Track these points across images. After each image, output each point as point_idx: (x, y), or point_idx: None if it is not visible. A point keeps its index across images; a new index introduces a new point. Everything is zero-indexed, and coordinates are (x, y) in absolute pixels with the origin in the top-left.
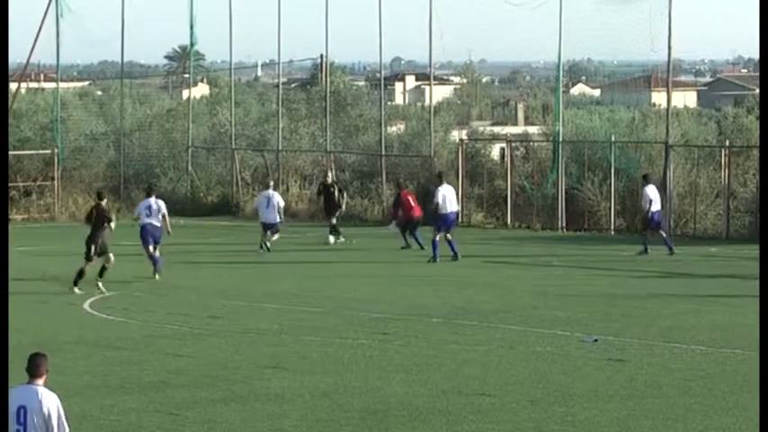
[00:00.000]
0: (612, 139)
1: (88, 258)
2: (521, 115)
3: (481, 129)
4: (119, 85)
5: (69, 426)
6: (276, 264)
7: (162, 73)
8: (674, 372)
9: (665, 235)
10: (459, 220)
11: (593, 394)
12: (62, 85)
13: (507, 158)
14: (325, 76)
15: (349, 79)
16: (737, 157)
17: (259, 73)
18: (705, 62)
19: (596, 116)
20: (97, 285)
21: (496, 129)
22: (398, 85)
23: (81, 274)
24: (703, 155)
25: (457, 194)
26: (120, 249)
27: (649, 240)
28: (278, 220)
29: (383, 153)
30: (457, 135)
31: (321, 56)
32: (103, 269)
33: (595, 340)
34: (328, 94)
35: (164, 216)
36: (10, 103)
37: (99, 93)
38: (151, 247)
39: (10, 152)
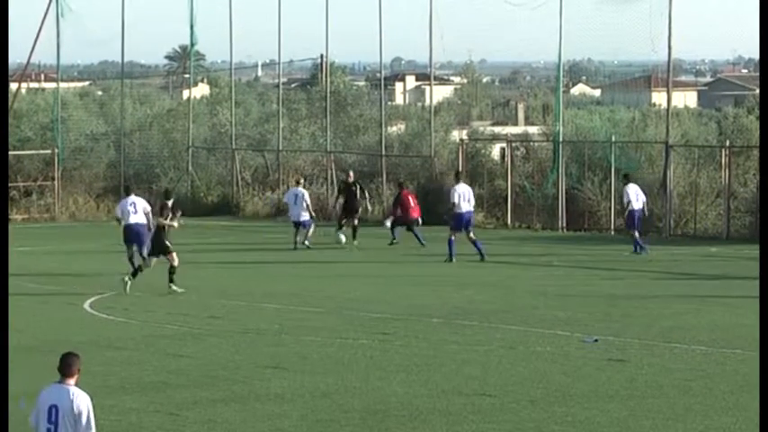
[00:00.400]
0: (613, 139)
1: (150, 255)
2: (521, 115)
3: (481, 129)
4: (119, 85)
5: (96, 426)
6: (276, 264)
7: (162, 73)
8: (675, 372)
9: (637, 235)
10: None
11: (594, 394)
12: (62, 85)
13: (507, 158)
14: (326, 76)
15: (349, 79)
16: (738, 157)
17: (259, 73)
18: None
19: (596, 116)
20: (170, 288)
21: (497, 129)
22: (399, 86)
23: (138, 269)
24: (704, 155)
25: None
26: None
27: (639, 238)
28: (307, 216)
29: (383, 153)
30: (457, 135)
31: (321, 56)
32: (173, 270)
33: (595, 340)
34: (328, 94)
35: (147, 214)
36: (10, 103)
37: (99, 93)
38: (135, 249)
39: (10, 152)
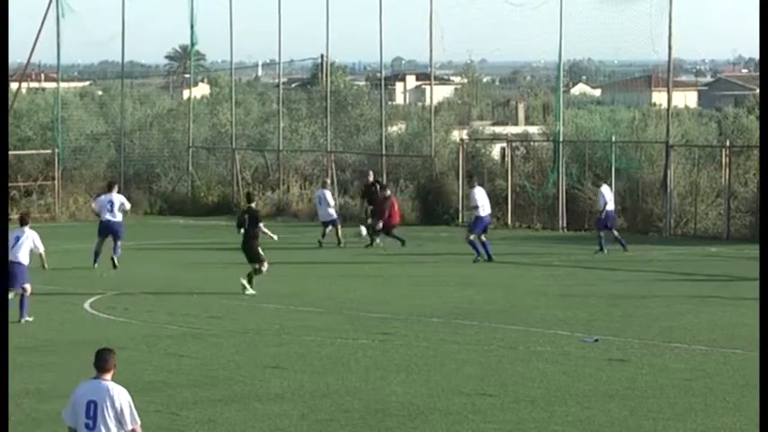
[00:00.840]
0: (613, 138)
1: (259, 260)
2: (521, 115)
3: (482, 128)
4: (119, 85)
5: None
6: (276, 264)
7: (162, 73)
8: (675, 371)
9: (617, 234)
10: (460, 220)
11: (594, 394)
12: (63, 84)
13: (508, 158)
14: (326, 76)
15: (349, 79)
16: (738, 157)
17: (259, 73)
18: (706, 62)
19: (597, 116)
20: (243, 285)
21: (497, 129)
22: (399, 85)
23: (255, 271)
24: (704, 155)
25: (459, 195)
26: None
27: (604, 239)
28: (334, 215)
29: (384, 153)
30: (457, 135)
31: (322, 56)
32: (257, 272)
33: (596, 340)
34: (329, 94)
35: (125, 212)
36: (10, 103)
37: (99, 93)
38: (109, 241)
39: (10, 152)
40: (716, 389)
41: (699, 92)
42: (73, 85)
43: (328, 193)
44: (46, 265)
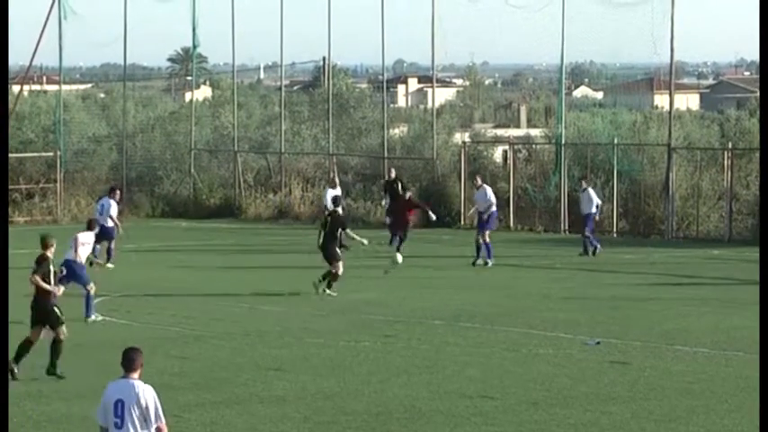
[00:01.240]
0: (615, 141)
1: (335, 259)
2: (523, 117)
3: (483, 131)
4: (121, 88)
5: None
6: (278, 266)
7: (164, 75)
8: (677, 374)
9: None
10: (462, 222)
11: (596, 397)
12: (65, 87)
13: (510, 161)
14: (328, 79)
15: (351, 82)
16: (740, 159)
17: (261, 75)
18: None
19: (599, 118)
20: (314, 284)
21: (499, 131)
22: (401, 88)
23: (332, 276)
24: (706, 157)
25: (461, 197)
26: (122, 254)
27: (593, 240)
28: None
29: (386, 155)
30: (459, 137)
31: (324, 58)
32: (329, 274)
33: (598, 343)
34: (331, 97)
35: (111, 217)
36: (12, 106)
37: (102, 95)
38: (105, 243)
39: (12, 154)
40: (718, 391)
41: (701, 94)
42: (75, 87)
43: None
44: (120, 231)
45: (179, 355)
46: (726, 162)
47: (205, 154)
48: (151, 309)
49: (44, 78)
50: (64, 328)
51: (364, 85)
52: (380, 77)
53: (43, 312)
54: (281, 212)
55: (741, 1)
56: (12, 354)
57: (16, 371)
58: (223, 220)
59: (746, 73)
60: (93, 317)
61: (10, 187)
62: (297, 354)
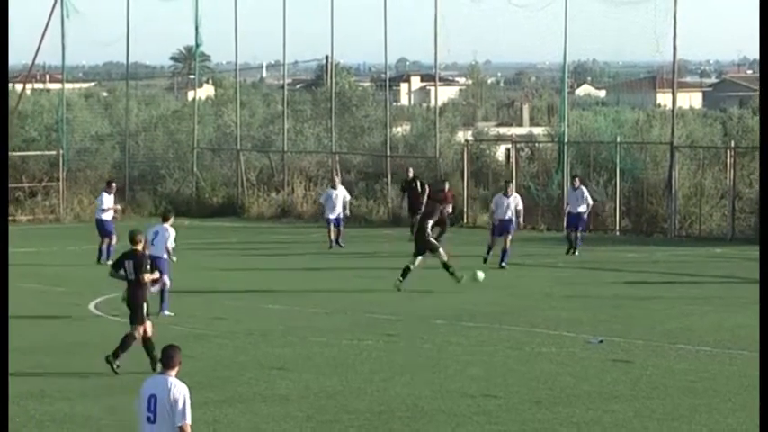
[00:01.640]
0: (617, 140)
1: (433, 249)
2: (526, 116)
3: (486, 130)
4: (124, 86)
5: (191, 415)
6: (281, 265)
7: (167, 74)
8: (680, 373)
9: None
10: (464, 221)
11: (599, 395)
12: (67, 85)
13: (512, 159)
14: (331, 77)
15: (354, 80)
16: (743, 158)
17: (264, 74)
18: (710, 63)
19: (601, 117)
20: (457, 277)
21: (501, 130)
22: (404, 86)
23: (443, 265)
24: (708, 156)
25: (464, 196)
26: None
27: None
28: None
29: (388, 154)
30: (462, 136)
31: (326, 57)
32: (446, 266)
33: (600, 341)
34: (333, 95)
35: (106, 209)
36: (15, 104)
37: (104, 94)
38: (106, 240)
39: (15, 153)
40: (720, 390)
41: (703, 93)
42: (78, 86)
43: (334, 193)
44: (174, 258)
45: (182, 354)
46: (728, 160)
47: (208, 153)
48: (153, 307)
49: (47, 77)
50: (149, 324)
51: (367, 84)
52: (383, 76)
53: (137, 307)
54: (283, 211)
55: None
56: (112, 348)
57: (116, 364)
58: (226, 218)
59: (749, 71)
60: (167, 312)
61: (13, 186)
62: (300, 352)
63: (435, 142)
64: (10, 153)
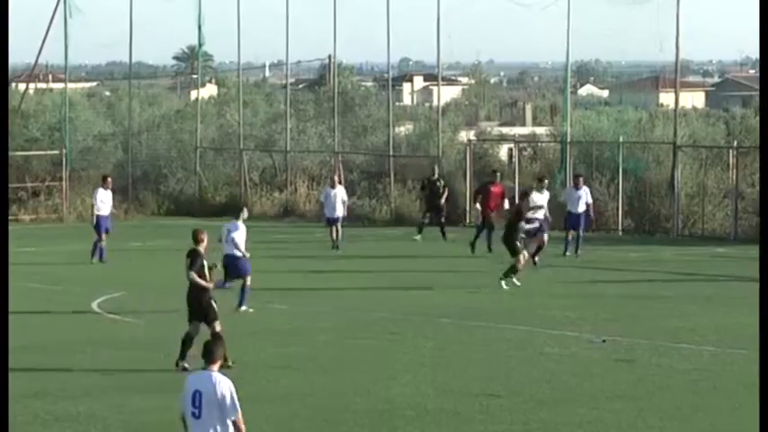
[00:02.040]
0: (620, 139)
1: (516, 253)
2: (528, 116)
3: (489, 129)
4: (127, 86)
5: (240, 407)
6: (285, 264)
7: (170, 73)
8: (682, 372)
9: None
10: (467, 220)
11: (601, 394)
12: (70, 85)
13: (515, 159)
14: (334, 77)
15: (357, 80)
16: (745, 157)
17: (267, 73)
18: (713, 63)
19: (604, 117)
20: (505, 282)
21: (504, 129)
22: (406, 86)
23: (514, 269)
24: (711, 155)
25: (466, 195)
26: (124, 251)
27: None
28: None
29: (391, 153)
30: (465, 135)
31: (329, 56)
32: (514, 268)
33: (603, 341)
34: (336, 95)
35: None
36: (18, 104)
37: (107, 93)
38: (103, 236)
39: (18, 153)
40: (723, 389)
41: (706, 92)
42: (80, 85)
43: (332, 192)
44: (247, 255)
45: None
46: (731, 160)
47: (210, 152)
48: (156, 307)
49: (50, 76)
50: (218, 323)
51: (370, 83)
52: (386, 75)
53: (200, 307)
54: (286, 210)
55: None
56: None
57: (186, 365)
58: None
59: (752, 71)
60: (244, 307)
61: (16, 185)
62: (304, 352)
63: (438, 142)
64: (13, 153)
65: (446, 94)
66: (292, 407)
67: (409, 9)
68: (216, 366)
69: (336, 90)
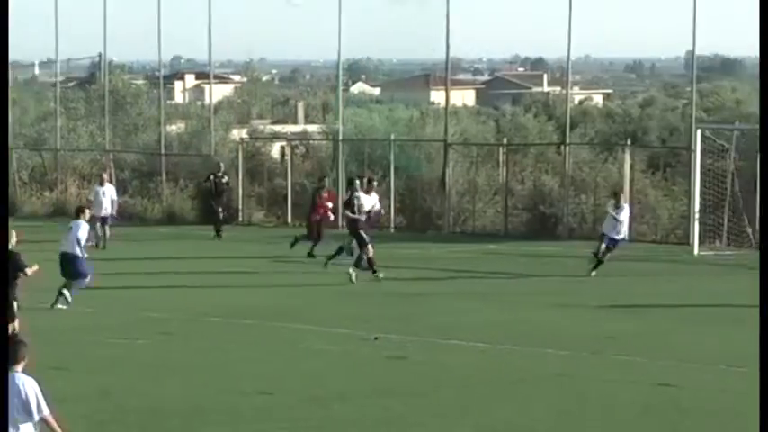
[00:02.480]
0: (392, 137)
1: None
2: (301, 114)
3: (261, 127)
4: None
5: (49, 406)
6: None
7: None
8: (454, 368)
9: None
10: (240, 218)
11: (373, 391)
12: None
13: (287, 157)
14: (104, 75)
15: (128, 78)
16: (515, 154)
17: (36, 71)
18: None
19: (376, 114)
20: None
21: (277, 127)
22: (178, 84)
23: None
24: (482, 153)
25: (237, 194)
26: None
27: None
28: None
29: (163, 152)
30: (237, 134)
31: (99, 54)
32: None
33: (375, 338)
34: (107, 93)
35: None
36: None
37: None
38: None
39: None
40: (494, 384)
41: (477, 90)
42: None
43: (101, 190)
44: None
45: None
46: (501, 158)
47: None
48: None
49: None
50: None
51: (141, 82)
52: (157, 74)
53: None
54: (56, 210)
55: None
56: None
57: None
58: None
59: (521, 69)
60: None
61: None
62: (74, 352)
63: (210, 140)
64: None
65: (218, 92)
66: (65, 407)
67: (181, 7)
68: (20, 366)
69: (107, 88)
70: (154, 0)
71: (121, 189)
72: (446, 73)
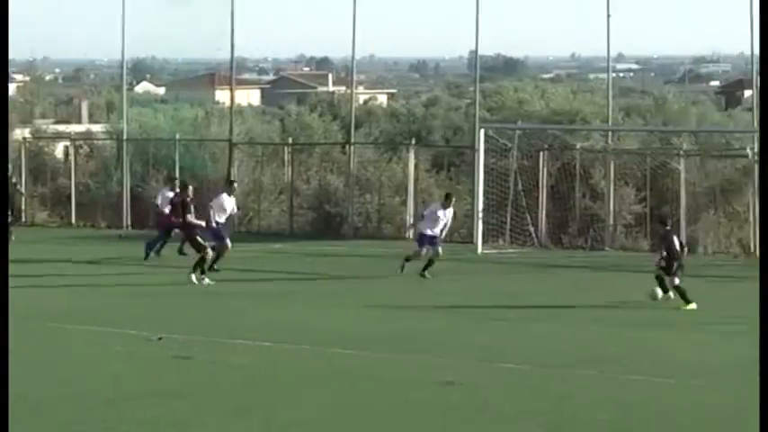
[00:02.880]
0: (177, 137)
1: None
2: (85, 113)
3: (45, 127)
4: None
5: None
6: None
7: None
8: (239, 368)
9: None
10: (24, 220)
11: (159, 392)
12: None
13: (71, 156)
14: None
15: None
16: (300, 154)
17: None
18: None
19: (161, 114)
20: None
21: (60, 127)
22: None
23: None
24: (267, 152)
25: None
26: None
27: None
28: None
29: None
30: (20, 133)
31: None
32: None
33: (160, 338)
34: None
35: None
36: None
37: None
38: None
39: None
40: (279, 383)
41: (262, 90)
42: None
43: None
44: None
45: None
46: (286, 157)
47: None
48: None
49: None
50: None
51: None
52: None
53: None
54: None
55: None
56: None
57: None
58: None
59: (306, 69)
60: None
61: None
62: None
63: None
64: None
65: None
66: None
67: None
68: None
69: None
70: None
71: None
72: (231, 72)
